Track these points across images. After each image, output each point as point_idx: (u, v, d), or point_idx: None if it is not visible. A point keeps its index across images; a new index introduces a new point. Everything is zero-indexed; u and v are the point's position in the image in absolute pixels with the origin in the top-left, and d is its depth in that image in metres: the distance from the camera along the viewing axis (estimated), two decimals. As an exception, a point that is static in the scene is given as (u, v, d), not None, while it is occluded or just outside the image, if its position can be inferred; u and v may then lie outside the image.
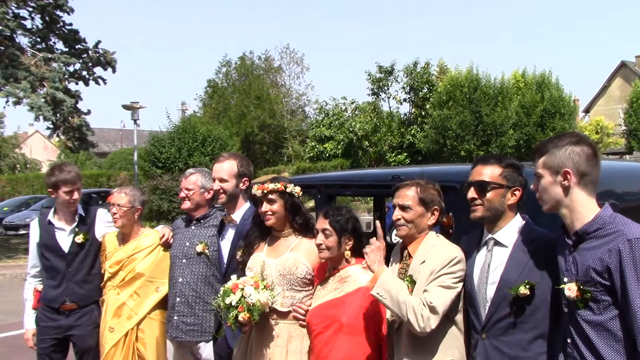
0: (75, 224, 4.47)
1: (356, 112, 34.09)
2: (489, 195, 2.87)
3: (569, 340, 2.56)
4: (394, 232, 3.24)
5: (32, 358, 4.62)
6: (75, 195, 4.39)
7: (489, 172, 2.90)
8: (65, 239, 4.44)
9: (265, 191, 3.57)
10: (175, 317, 4.18)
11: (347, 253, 3.35)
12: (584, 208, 2.55)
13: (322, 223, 3.33)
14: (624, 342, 2.41)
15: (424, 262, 3.02)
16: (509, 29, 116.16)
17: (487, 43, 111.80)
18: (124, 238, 4.45)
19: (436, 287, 2.90)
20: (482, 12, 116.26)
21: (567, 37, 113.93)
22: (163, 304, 4.34)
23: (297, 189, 3.63)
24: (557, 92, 32.26)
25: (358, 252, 3.37)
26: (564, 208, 2.57)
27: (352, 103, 34.61)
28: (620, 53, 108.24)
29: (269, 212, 3.58)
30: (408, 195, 3.11)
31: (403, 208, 3.10)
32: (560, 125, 30.90)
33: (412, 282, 3.00)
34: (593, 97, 52.35)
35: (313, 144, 33.55)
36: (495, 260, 2.89)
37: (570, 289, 2.49)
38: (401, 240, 3.24)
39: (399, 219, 3.11)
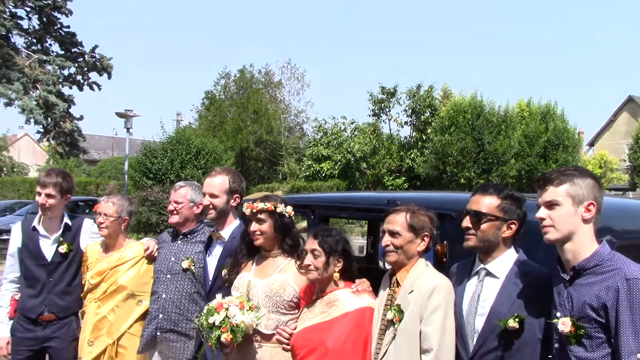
0: (60, 232, 4.38)
1: (355, 133, 33.96)
2: (483, 226, 2.86)
3: (559, 377, 2.53)
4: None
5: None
6: (43, 200, 4.24)
7: (487, 203, 2.89)
8: (48, 247, 4.35)
9: (254, 210, 3.54)
10: (158, 334, 4.10)
11: (336, 275, 3.30)
12: (588, 243, 2.54)
13: (312, 243, 3.31)
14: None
15: (412, 291, 2.99)
16: (516, 58, 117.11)
17: (493, 70, 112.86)
18: (107, 248, 4.37)
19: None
20: (490, 40, 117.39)
21: (575, 69, 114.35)
22: (144, 319, 4.24)
23: (289, 209, 3.58)
24: (562, 124, 31.74)
25: (348, 275, 3.35)
26: (571, 240, 2.55)
27: (352, 123, 34.46)
28: (627, 87, 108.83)
29: (258, 232, 3.54)
30: (397, 220, 3.10)
31: (392, 234, 3.10)
32: (564, 157, 30.46)
33: (400, 312, 2.97)
34: (598, 131, 51.55)
35: (309, 162, 33.36)
36: (485, 291, 2.87)
37: (565, 324, 2.48)
38: (390, 267, 3.21)
39: (387, 245, 3.10)
